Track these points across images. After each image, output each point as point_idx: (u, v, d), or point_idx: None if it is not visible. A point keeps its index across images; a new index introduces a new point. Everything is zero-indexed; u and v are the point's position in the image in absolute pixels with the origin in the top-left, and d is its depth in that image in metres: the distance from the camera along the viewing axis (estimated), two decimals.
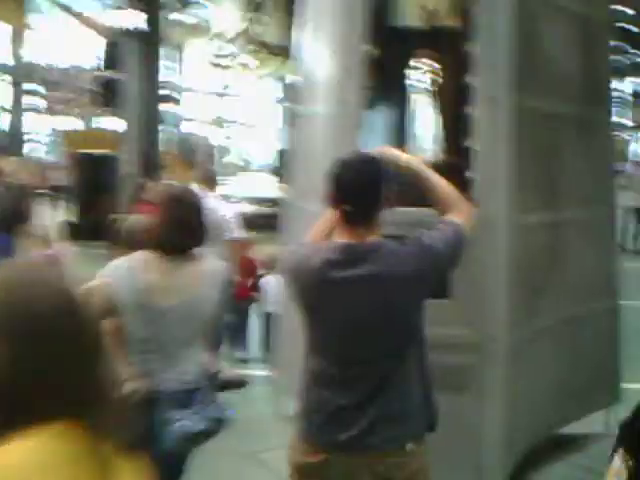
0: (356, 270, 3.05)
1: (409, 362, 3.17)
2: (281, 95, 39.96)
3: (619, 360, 6.21)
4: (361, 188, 3.10)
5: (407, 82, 5.08)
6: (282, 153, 36.37)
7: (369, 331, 3.11)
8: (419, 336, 3.24)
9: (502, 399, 4.92)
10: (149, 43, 18.04)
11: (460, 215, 3.28)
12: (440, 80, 5.09)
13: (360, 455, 3.12)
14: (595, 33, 5.96)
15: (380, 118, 5.17)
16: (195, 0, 28.60)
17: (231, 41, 23.29)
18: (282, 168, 32.79)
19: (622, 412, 5.83)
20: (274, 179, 32.33)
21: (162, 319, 3.76)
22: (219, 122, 36.19)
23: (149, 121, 18.35)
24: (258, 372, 7.71)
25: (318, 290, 3.15)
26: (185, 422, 3.73)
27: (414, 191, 3.40)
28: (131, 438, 1.63)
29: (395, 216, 3.41)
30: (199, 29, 27.94)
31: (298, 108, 6.32)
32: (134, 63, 18.12)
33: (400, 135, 5.14)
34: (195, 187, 8.57)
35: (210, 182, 8.33)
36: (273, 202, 25.66)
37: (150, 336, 3.77)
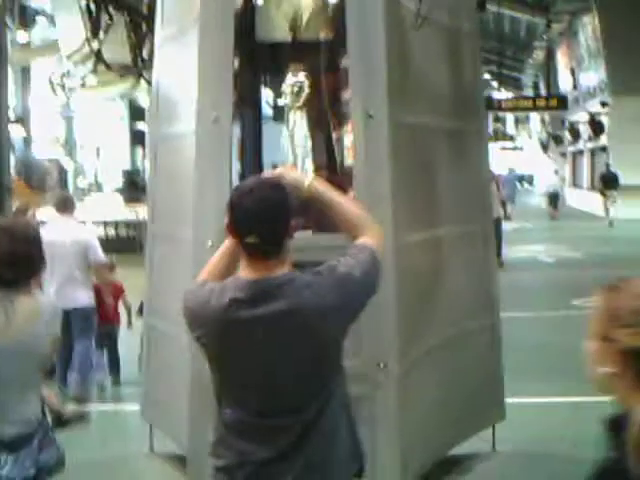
0: (267, 308, 2.72)
1: (333, 402, 2.87)
2: (126, 115, 39.24)
3: (501, 377, 6.12)
4: (268, 218, 2.75)
5: (279, 98, 4.85)
6: (127, 174, 35.69)
7: (287, 377, 2.79)
8: (341, 372, 2.95)
9: (394, 427, 4.73)
10: None
11: (371, 238, 2.98)
12: (311, 94, 4.87)
13: None
14: (465, 45, 5.87)
15: (253, 135, 4.93)
16: (42, 19, 27.68)
17: (78, 62, 22.49)
18: (127, 189, 32.29)
19: (507, 428, 5.81)
20: (121, 200, 31.69)
21: None
22: (68, 143, 35.16)
23: None
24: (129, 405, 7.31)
25: (225, 334, 2.79)
26: (11, 470, 3.45)
27: (317, 215, 3.10)
28: None
29: (301, 242, 3.10)
30: (46, 49, 27.00)
31: (156, 129, 6.01)
32: None
33: (275, 153, 4.89)
34: (52, 212, 8.29)
35: (67, 206, 8.10)
36: (121, 224, 25.19)
37: None
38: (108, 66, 22.09)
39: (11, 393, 3.53)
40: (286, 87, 4.69)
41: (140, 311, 7.19)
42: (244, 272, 2.82)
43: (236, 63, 4.67)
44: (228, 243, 3.02)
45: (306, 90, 4.67)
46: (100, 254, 7.90)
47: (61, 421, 3.83)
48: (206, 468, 3.03)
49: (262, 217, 2.75)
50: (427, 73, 5.35)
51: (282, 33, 4.87)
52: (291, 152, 4.66)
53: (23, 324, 3.51)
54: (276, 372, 2.79)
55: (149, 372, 6.19)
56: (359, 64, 4.60)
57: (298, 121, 4.64)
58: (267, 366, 2.79)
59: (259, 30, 4.88)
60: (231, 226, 2.81)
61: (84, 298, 7.75)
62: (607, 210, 28.62)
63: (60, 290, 7.35)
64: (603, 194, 29.18)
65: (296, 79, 4.65)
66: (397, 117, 4.76)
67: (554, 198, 31.55)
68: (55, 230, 7.49)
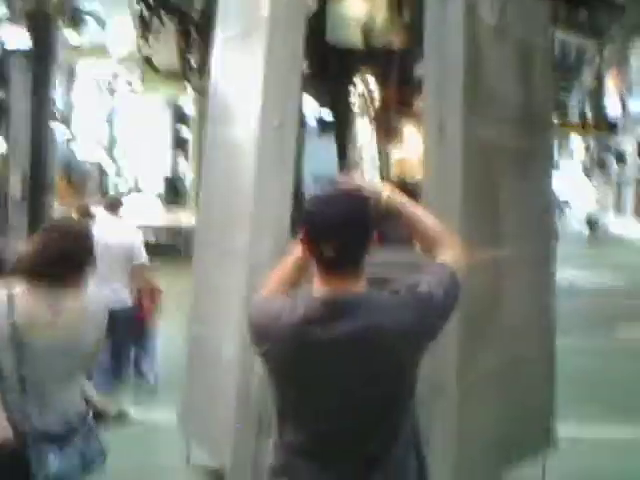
0: (342, 328, 2.52)
1: (406, 429, 2.67)
2: (170, 121, 39.38)
3: (554, 406, 5.89)
4: (348, 230, 2.56)
5: (348, 103, 4.67)
6: (169, 180, 35.73)
7: (359, 400, 2.60)
8: (414, 398, 2.74)
9: (451, 453, 4.55)
10: (39, 62, 17.25)
11: (451, 255, 2.79)
12: (380, 101, 4.69)
13: None
14: (538, 60, 5.67)
15: (320, 142, 4.75)
16: (89, 20, 27.83)
17: (124, 63, 22.61)
18: (168, 194, 32.34)
19: (557, 459, 5.57)
20: (161, 206, 31.73)
21: (40, 357, 3.49)
22: (110, 146, 35.40)
23: (37, 143, 17.50)
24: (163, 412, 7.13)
25: (296, 353, 2.59)
26: (59, 464, 3.52)
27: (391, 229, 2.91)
28: None
29: (378, 257, 2.90)
30: (95, 51, 27.20)
31: (211, 133, 5.86)
32: (22, 82, 17.29)
33: (341, 161, 4.71)
34: (101, 212, 8.31)
35: (114, 207, 8.21)
36: (161, 230, 25.19)
37: (26, 375, 3.49)
38: (157, 71, 22.27)
39: (56, 389, 3.56)
40: (357, 96, 4.51)
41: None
42: (317, 287, 2.62)
43: (313, 67, 4.50)
44: (296, 253, 2.83)
45: (377, 101, 4.49)
46: (143, 255, 7.90)
47: (102, 417, 3.86)
48: None
49: (342, 228, 2.56)
50: (499, 88, 5.15)
51: (353, 37, 4.70)
52: (361, 162, 4.47)
53: (69, 322, 3.52)
54: (348, 395, 2.59)
55: (190, 381, 6.03)
56: (436, 75, 4.42)
57: (367, 131, 4.46)
58: (339, 388, 2.59)
59: (330, 33, 4.72)
60: (306, 237, 2.61)
61: (126, 298, 7.67)
62: None
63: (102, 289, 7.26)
64: None
65: (368, 88, 4.46)
66: (469, 131, 4.57)
67: (594, 224, 31.28)
68: (104, 230, 7.43)
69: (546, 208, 5.92)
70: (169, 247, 22.28)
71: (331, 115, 4.87)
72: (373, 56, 4.50)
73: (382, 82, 4.22)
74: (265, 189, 4.52)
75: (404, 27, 4.83)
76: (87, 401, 3.77)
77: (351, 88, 4.18)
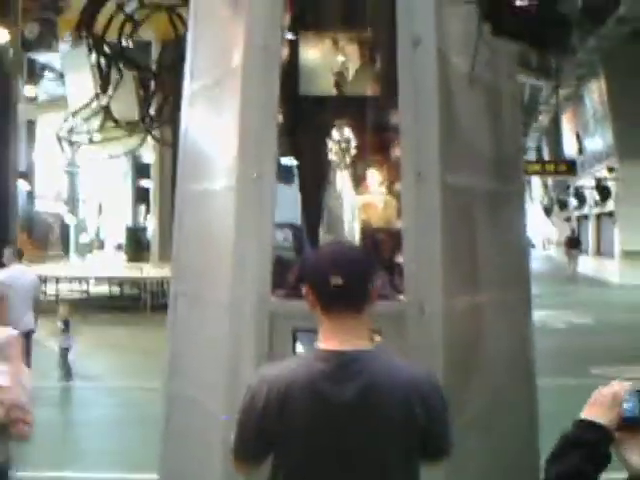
0: (354, 384, 2.48)
1: None
2: (130, 172, 39.27)
3: (538, 451, 5.83)
4: (354, 259, 2.63)
5: (322, 152, 4.63)
6: (131, 230, 35.59)
7: (367, 467, 2.53)
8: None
9: None
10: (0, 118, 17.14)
11: None
12: (356, 151, 4.67)
13: None
14: (506, 105, 5.69)
15: (293, 193, 4.71)
16: (50, 75, 27.78)
17: (86, 117, 22.51)
18: (130, 246, 32.16)
19: None
20: (124, 259, 31.50)
21: None
22: (70, 200, 35.22)
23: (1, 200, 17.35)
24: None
25: (308, 409, 2.53)
26: None
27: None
28: None
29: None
30: (53, 104, 27.12)
31: (183, 185, 5.79)
32: None
33: (316, 211, 4.67)
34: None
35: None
36: (124, 282, 24.99)
37: None
38: (116, 122, 22.18)
39: None
40: (332, 144, 4.48)
41: None
42: (323, 341, 2.57)
43: (287, 118, 4.46)
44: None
45: (353, 147, 4.47)
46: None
47: None
48: None
49: (348, 258, 2.62)
50: (472, 133, 5.16)
51: (327, 87, 4.67)
52: (338, 213, 4.44)
53: None
54: (355, 458, 2.52)
55: (169, 439, 5.88)
56: (411, 121, 4.40)
57: (345, 180, 4.44)
58: (345, 451, 2.52)
59: (303, 83, 4.69)
60: (313, 273, 2.62)
61: None
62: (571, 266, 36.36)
63: None
64: (568, 254, 36.86)
65: (343, 135, 4.45)
66: (446, 178, 4.56)
67: None
68: None
69: (522, 251, 5.92)
70: (134, 299, 22.10)
71: (295, 163, 4.85)
72: (347, 105, 4.49)
73: (357, 130, 4.20)
74: (246, 241, 4.45)
75: (377, 75, 4.81)
76: None
77: (326, 137, 4.17)
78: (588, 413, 2.14)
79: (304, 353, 2.66)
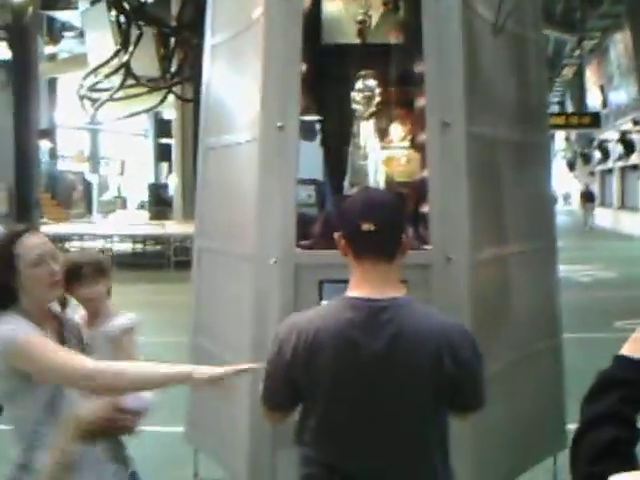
0: (383, 332, 2.46)
1: (436, 453, 2.61)
2: (151, 130, 39.23)
3: (564, 403, 5.82)
4: (386, 204, 2.59)
5: (345, 104, 4.58)
6: (153, 187, 35.61)
7: (398, 411, 2.52)
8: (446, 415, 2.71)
9: (468, 455, 4.44)
10: (20, 75, 17.10)
11: None
12: (380, 102, 4.61)
13: None
14: (531, 54, 5.61)
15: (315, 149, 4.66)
16: (70, 33, 27.69)
17: (106, 75, 22.41)
18: (153, 203, 32.19)
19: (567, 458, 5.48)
20: (146, 215, 31.54)
21: None
22: (92, 158, 35.28)
23: (22, 158, 17.35)
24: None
25: (337, 358, 2.52)
26: None
27: None
28: None
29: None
30: (74, 62, 27.03)
31: (205, 139, 5.76)
32: (5, 99, 17.16)
33: (340, 165, 4.62)
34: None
35: None
36: (147, 239, 25.08)
37: None
38: (137, 79, 22.09)
39: None
40: (356, 94, 4.42)
41: None
42: (354, 289, 2.55)
43: (310, 68, 4.40)
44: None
45: (377, 97, 4.41)
46: None
47: None
48: None
49: (380, 204, 2.57)
50: (496, 82, 5.10)
51: (350, 36, 4.61)
52: (360, 165, 4.39)
53: None
54: (385, 409, 2.52)
55: (195, 393, 5.91)
56: (436, 70, 4.34)
57: (369, 133, 4.38)
58: (376, 401, 2.52)
59: (326, 33, 4.63)
60: (344, 219, 2.60)
61: None
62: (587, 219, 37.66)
63: None
64: (584, 207, 38.08)
65: (367, 84, 4.38)
66: (472, 127, 4.50)
67: None
68: None
69: (547, 202, 5.86)
70: (156, 256, 22.19)
71: (318, 117, 4.75)
72: (371, 54, 4.43)
73: (380, 80, 4.12)
74: (269, 193, 4.43)
75: (401, 24, 4.74)
76: None
77: (349, 88, 4.09)
78: (629, 349, 1.95)
79: (334, 301, 2.62)
